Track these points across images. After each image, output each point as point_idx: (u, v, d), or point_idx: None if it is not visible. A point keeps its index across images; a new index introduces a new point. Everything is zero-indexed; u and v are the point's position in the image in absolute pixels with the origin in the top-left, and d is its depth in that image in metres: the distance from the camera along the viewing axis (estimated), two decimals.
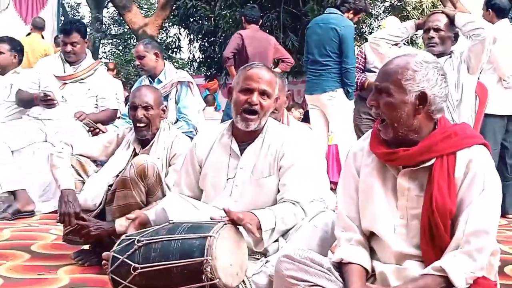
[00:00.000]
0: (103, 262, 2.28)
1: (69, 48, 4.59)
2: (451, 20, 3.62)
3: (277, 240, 2.42)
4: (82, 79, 4.70)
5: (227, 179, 2.56)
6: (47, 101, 4.58)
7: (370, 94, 1.98)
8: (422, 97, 1.89)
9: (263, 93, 2.48)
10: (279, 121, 3.15)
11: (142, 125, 3.08)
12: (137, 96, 3.13)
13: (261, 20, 6.81)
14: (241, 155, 2.55)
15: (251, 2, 11.56)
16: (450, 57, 3.60)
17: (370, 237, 2.06)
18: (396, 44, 3.81)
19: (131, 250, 2.16)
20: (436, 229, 1.86)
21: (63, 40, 4.63)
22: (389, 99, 1.91)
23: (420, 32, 3.84)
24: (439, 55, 3.53)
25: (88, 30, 19.24)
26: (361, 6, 5.31)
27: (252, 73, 2.50)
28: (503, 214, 4.52)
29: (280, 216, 2.37)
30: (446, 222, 1.86)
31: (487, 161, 1.92)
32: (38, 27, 7.71)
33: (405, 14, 12.37)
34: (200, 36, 13.42)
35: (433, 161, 1.90)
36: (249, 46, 6.34)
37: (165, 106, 3.23)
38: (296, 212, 2.44)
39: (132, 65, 18.00)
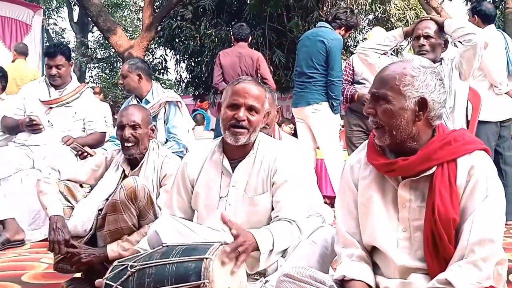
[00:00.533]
0: None
1: (54, 71, 4.52)
2: (440, 27, 3.60)
3: None
4: (68, 102, 4.61)
5: (220, 198, 2.47)
6: (32, 126, 4.49)
7: (367, 102, 1.92)
8: (422, 103, 1.84)
9: (250, 109, 2.40)
10: (271, 136, 3.08)
11: (130, 144, 3.01)
12: (124, 115, 3.06)
13: (250, 37, 6.87)
14: (233, 172, 2.48)
15: (236, 20, 11.61)
16: (441, 64, 3.57)
17: (372, 252, 1.99)
18: (385, 54, 3.78)
19: (125, 277, 2.07)
20: (440, 239, 1.80)
21: (48, 63, 4.56)
22: (388, 106, 1.85)
23: (404, 44, 3.81)
24: None
25: (73, 55, 19.14)
26: (352, 23, 5.30)
27: (239, 88, 2.42)
28: None
29: (278, 237, 2.28)
30: (450, 232, 1.80)
31: (489, 167, 1.86)
32: (22, 52, 7.63)
33: (389, 26, 12.42)
34: (186, 56, 13.44)
35: (433, 169, 1.85)
36: (225, 63, 6.45)
37: (154, 125, 3.17)
38: (293, 231, 2.36)
39: (120, 88, 17.95)
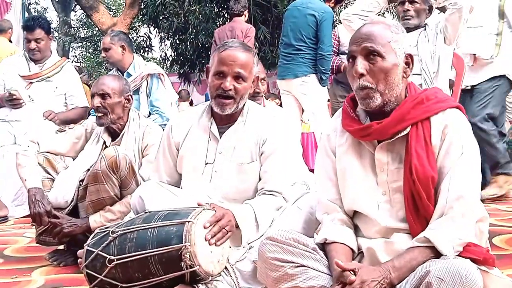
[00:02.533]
0: (79, 260, 2.16)
1: (33, 45, 4.44)
2: None
3: None
4: (48, 77, 4.55)
5: (206, 164, 2.42)
6: (13, 101, 4.42)
7: (358, 61, 1.86)
8: (408, 59, 1.86)
9: (237, 77, 2.32)
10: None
11: (99, 114, 2.93)
12: (95, 85, 2.99)
13: (245, 11, 6.71)
14: (220, 138, 2.43)
15: None
16: (425, 29, 3.55)
17: (354, 215, 1.98)
18: None
19: (106, 242, 2.06)
20: (419, 199, 1.79)
21: (26, 37, 4.47)
22: (383, 64, 1.82)
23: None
24: (414, 28, 3.48)
25: (56, 34, 18.71)
26: None
27: (225, 55, 2.33)
28: (482, 187, 4.47)
29: (261, 214, 2.27)
30: (429, 191, 1.79)
31: (463, 124, 1.85)
32: (2, 30, 7.48)
33: None
34: (170, 34, 13.26)
35: (408, 130, 1.83)
36: (217, 39, 6.44)
37: (130, 95, 3.05)
38: (278, 205, 2.35)
39: (104, 67, 17.75)
